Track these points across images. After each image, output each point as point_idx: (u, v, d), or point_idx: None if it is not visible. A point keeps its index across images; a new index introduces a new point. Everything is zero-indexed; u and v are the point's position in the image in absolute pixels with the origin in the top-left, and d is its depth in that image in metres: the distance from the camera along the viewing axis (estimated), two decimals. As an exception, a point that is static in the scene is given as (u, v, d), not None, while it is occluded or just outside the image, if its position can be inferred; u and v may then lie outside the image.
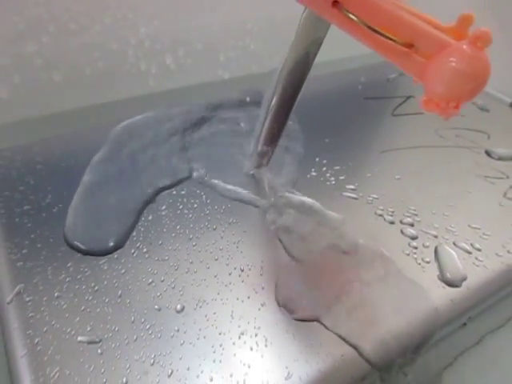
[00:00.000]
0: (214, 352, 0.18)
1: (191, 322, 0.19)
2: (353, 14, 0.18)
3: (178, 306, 0.19)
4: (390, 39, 0.17)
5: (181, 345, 0.18)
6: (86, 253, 0.21)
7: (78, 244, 0.21)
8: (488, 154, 0.31)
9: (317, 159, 0.28)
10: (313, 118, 0.32)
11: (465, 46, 0.16)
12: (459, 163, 0.30)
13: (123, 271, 0.20)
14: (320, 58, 0.31)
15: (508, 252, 0.24)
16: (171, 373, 0.17)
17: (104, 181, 0.25)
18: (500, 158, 0.31)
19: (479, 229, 0.25)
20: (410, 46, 0.18)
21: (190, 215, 0.23)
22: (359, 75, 0.38)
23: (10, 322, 0.19)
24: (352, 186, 0.26)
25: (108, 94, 0.38)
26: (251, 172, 0.26)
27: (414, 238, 0.24)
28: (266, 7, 0.36)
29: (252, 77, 0.39)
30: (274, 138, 0.24)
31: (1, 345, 0.19)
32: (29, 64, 0.34)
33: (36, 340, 0.18)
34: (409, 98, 0.37)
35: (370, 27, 0.17)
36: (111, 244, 0.21)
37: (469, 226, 0.25)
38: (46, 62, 0.35)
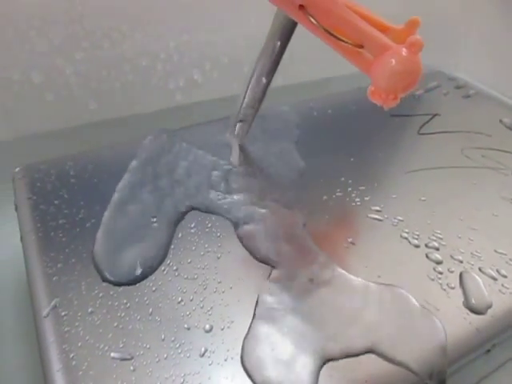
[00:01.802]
0: (241, 373, 0.18)
1: (219, 342, 0.19)
2: (313, 18, 0.21)
3: (207, 326, 0.20)
4: (343, 41, 0.21)
5: (209, 365, 0.19)
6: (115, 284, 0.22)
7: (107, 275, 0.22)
8: (515, 175, 0.31)
9: (342, 179, 0.28)
10: (338, 135, 0.33)
11: (403, 50, 0.20)
12: (485, 185, 0.30)
13: (154, 289, 0.21)
14: (346, 71, 0.31)
15: (534, 279, 0.23)
16: (200, 392, 0.18)
17: (134, 199, 0.25)
18: (527, 181, 0.30)
19: (505, 254, 0.25)
20: (360, 46, 0.21)
21: (219, 233, 0.24)
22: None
23: (46, 335, 0.20)
24: (377, 208, 0.27)
25: (137, 106, 0.39)
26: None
27: (439, 262, 0.24)
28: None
29: (277, 89, 0.39)
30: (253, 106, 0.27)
31: (37, 358, 0.20)
32: (62, 78, 0.35)
33: (71, 355, 0.19)
34: (435, 115, 0.37)
35: (327, 30, 0.21)
36: (139, 272, 0.22)
37: (495, 251, 0.25)
38: (78, 76, 0.36)
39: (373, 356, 0.19)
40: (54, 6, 0.33)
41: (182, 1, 0.38)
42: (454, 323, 0.21)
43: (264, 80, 0.27)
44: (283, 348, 0.19)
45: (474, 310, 0.22)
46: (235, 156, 0.29)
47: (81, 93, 0.36)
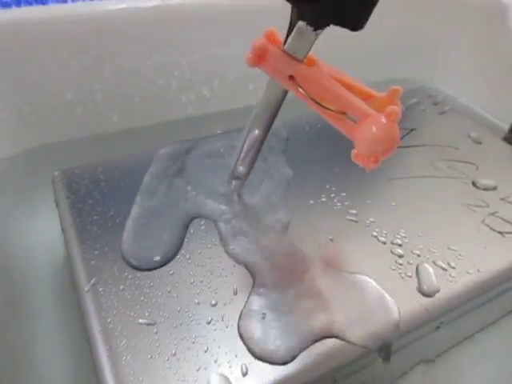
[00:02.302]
0: (237, 337, 0.24)
1: (222, 313, 0.25)
2: (301, 88, 0.24)
3: (213, 301, 0.26)
4: (328, 109, 0.24)
5: (214, 330, 0.24)
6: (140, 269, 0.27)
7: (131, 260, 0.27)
8: (474, 184, 0.36)
9: (327, 186, 0.34)
10: (325, 148, 0.38)
11: (382, 118, 0.23)
12: (448, 192, 0.35)
13: (171, 272, 0.27)
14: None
15: (478, 271, 0.29)
16: (206, 349, 0.24)
17: (154, 200, 0.31)
18: (484, 188, 0.36)
19: (456, 250, 0.30)
20: (343, 113, 0.24)
21: (223, 230, 0.30)
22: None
23: (88, 306, 0.25)
24: (354, 211, 0.32)
25: (153, 118, 0.45)
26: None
27: (400, 256, 0.29)
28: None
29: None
30: (249, 163, 0.30)
31: (81, 324, 0.25)
32: (90, 94, 0.41)
33: (108, 320, 0.24)
34: (412, 130, 0.42)
35: (313, 99, 0.24)
36: (158, 258, 0.27)
37: (448, 247, 0.30)
38: (104, 92, 0.42)
39: (334, 331, 0.25)
40: (84, 35, 0.39)
41: (193, 25, 0.43)
42: (407, 304, 0.27)
43: (258, 139, 0.29)
44: (268, 322, 0.25)
45: (425, 294, 0.27)
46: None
47: (105, 107, 0.42)
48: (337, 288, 0.27)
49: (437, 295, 0.27)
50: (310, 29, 0.24)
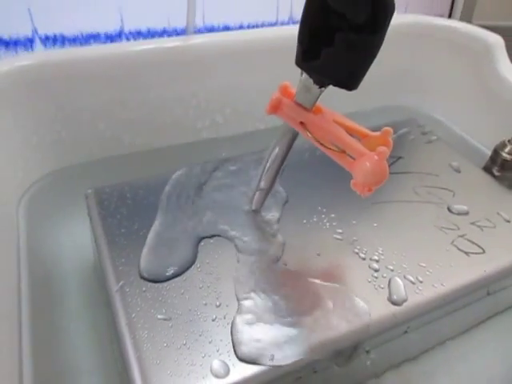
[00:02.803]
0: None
1: (224, 313, 0.31)
2: (309, 132, 0.30)
3: (217, 303, 0.31)
4: (331, 149, 0.30)
5: (217, 326, 0.30)
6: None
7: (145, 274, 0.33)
8: (449, 209, 0.41)
9: (319, 208, 0.40)
10: (320, 173, 0.44)
11: (374, 156, 0.29)
12: (424, 216, 0.40)
13: (184, 278, 0.33)
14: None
15: (441, 285, 0.34)
16: (211, 341, 0.29)
17: (171, 218, 0.37)
18: (457, 213, 0.41)
19: (425, 267, 0.36)
20: (343, 152, 0.30)
21: (230, 247, 0.36)
22: (363, 136, 0.50)
23: (116, 304, 0.31)
24: (340, 230, 0.38)
25: (172, 140, 0.52)
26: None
27: (376, 270, 0.35)
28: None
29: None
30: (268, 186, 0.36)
31: (109, 319, 0.31)
32: (118, 121, 0.48)
33: (133, 315, 0.30)
34: (399, 158, 0.47)
35: (318, 141, 0.30)
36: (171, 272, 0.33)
37: (418, 264, 0.36)
38: (130, 120, 0.48)
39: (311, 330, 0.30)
40: (115, 70, 0.45)
41: (210, 61, 0.50)
42: (378, 311, 0.32)
43: (277, 165, 0.35)
44: (258, 323, 0.30)
45: (394, 303, 0.33)
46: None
47: (131, 132, 0.48)
48: (317, 295, 0.32)
49: (404, 304, 0.33)
50: (316, 86, 0.29)
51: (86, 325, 0.38)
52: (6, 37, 0.49)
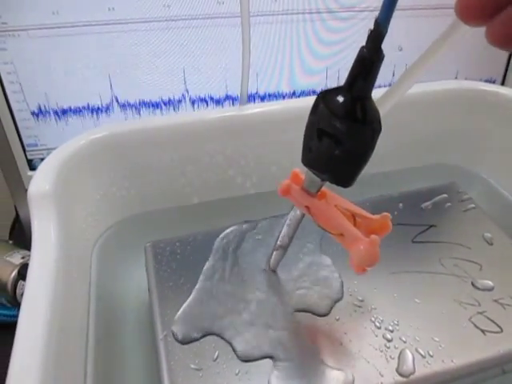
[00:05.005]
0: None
1: (246, 369, 0.36)
2: (311, 216, 0.35)
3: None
4: (331, 232, 0.35)
5: (239, 380, 0.35)
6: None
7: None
8: (473, 283, 0.43)
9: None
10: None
11: (369, 241, 0.32)
12: (446, 289, 0.43)
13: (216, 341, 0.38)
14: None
15: (451, 361, 0.37)
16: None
17: (214, 280, 0.43)
18: (481, 288, 0.43)
19: (438, 341, 0.38)
20: (341, 235, 0.34)
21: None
22: (398, 201, 0.53)
23: (160, 351, 0.38)
24: (360, 298, 0.41)
25: (221, 194, 0.58)
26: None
27: (389, 340, 0.38)
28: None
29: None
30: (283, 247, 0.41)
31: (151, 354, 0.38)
32: (176, 180, 0.55)
33: (171, 362, 0.36)
34: (431, 226, 0.50)
35: (319, 225, 0.35)
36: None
37: (432, 338, 0.38)
38: (187, 178, 0.55)
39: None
40: (175, 138, 0.53)
41: (258, 128, 0.56)
42: (385, 380, 0.35)
43: (288, 236, 0.40)
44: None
45: (401, 374, 0.36)
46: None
47: (187, 187, 0.56)
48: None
49: (411, 376, 0.36)
50: (318, 179, 0.34)
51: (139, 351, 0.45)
52: (92, 104, 0.59)
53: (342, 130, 0.28)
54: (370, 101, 0.28)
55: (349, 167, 0.31)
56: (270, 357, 0.37)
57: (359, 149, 0.30)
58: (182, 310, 0.40)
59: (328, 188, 0.36)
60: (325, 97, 0.29)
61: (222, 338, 0.38)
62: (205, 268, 0.44)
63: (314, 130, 0.30)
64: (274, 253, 0.43)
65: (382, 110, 0.33)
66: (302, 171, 0.37)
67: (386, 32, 0.25)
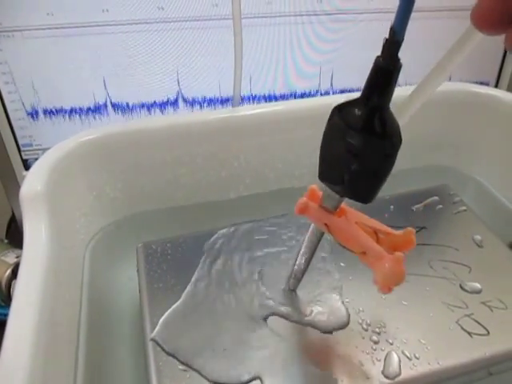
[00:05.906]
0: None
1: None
2: (331, 235, 0.34)
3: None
4: (352, 251, 0.34)
5: (226, 381, 0.36)
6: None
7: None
8: (461, 286, 0.44)
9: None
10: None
11: (393, 258, 0.32)
12: (434, 291, 0.43)
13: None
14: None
15: (437, 363, 0.37)
16: (219, 394, 0.35)
17: (206, 282, 0.43)
18: (470, 291, 0.43)
19: (424, 344, 0.38)
20: (364, 253, 0.33)
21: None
22: (389, 204, 0.53)
23: (149, 351, 0.38)
24: (347, 300, 0.42)
25: (213, 197, 0.58)
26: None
27: (376, 342, 0.38)
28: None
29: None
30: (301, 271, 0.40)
31: (145, 365, 0.38)
32: (169, 182, 0.55)
33: (160, 363, 0.37)
34: (422, 228, 0.50)
35: (340, 243, 0.34)
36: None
37: (418, 340, 0.38)
38: (180, 180, 0.56)
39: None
40: (169, 138, 0.53)
41: (249, 131, 0.56)
42: (371, 382, 0.36)
43: (307, 256, 0.38)
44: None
45: (387, 376, 0.36)
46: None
47: (180, 189, 0.56)
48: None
49: (396, 378, 0.36)
50: (337, 195, 0.32)
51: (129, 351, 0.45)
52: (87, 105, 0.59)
53: (359, 144, 0.26)
54: (388, 112, 0.27)
55: (368, 182, 0.30)
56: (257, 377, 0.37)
57: (378, 163, 0.28)
58: (164, 317, 0.40)
59: (347, 204, 0.35)
60: (341, 109, 0.27)
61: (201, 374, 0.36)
62: (195, 272, 0.44)
63: (331, 144, 0.29)
64: (293, 275, 0.41)
65: (402, 122, 0.30)
66: (319, 187, 0.35)
67: (403, 40, 0.23)
